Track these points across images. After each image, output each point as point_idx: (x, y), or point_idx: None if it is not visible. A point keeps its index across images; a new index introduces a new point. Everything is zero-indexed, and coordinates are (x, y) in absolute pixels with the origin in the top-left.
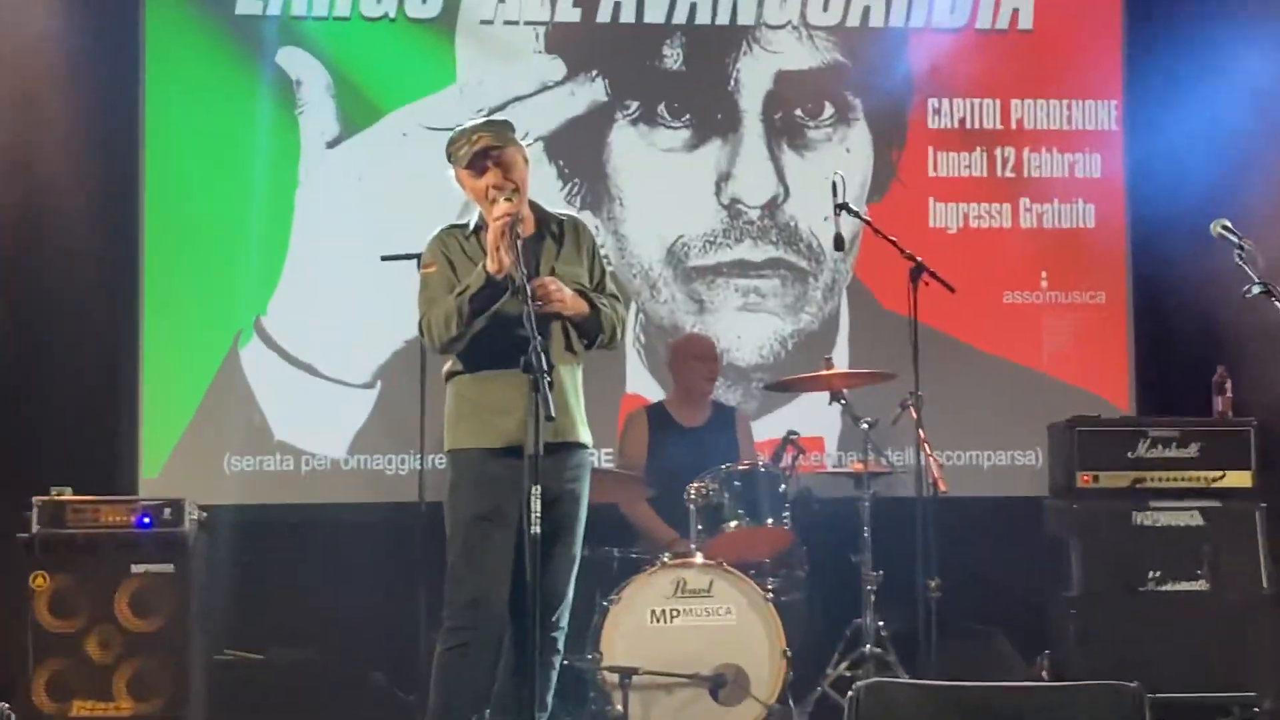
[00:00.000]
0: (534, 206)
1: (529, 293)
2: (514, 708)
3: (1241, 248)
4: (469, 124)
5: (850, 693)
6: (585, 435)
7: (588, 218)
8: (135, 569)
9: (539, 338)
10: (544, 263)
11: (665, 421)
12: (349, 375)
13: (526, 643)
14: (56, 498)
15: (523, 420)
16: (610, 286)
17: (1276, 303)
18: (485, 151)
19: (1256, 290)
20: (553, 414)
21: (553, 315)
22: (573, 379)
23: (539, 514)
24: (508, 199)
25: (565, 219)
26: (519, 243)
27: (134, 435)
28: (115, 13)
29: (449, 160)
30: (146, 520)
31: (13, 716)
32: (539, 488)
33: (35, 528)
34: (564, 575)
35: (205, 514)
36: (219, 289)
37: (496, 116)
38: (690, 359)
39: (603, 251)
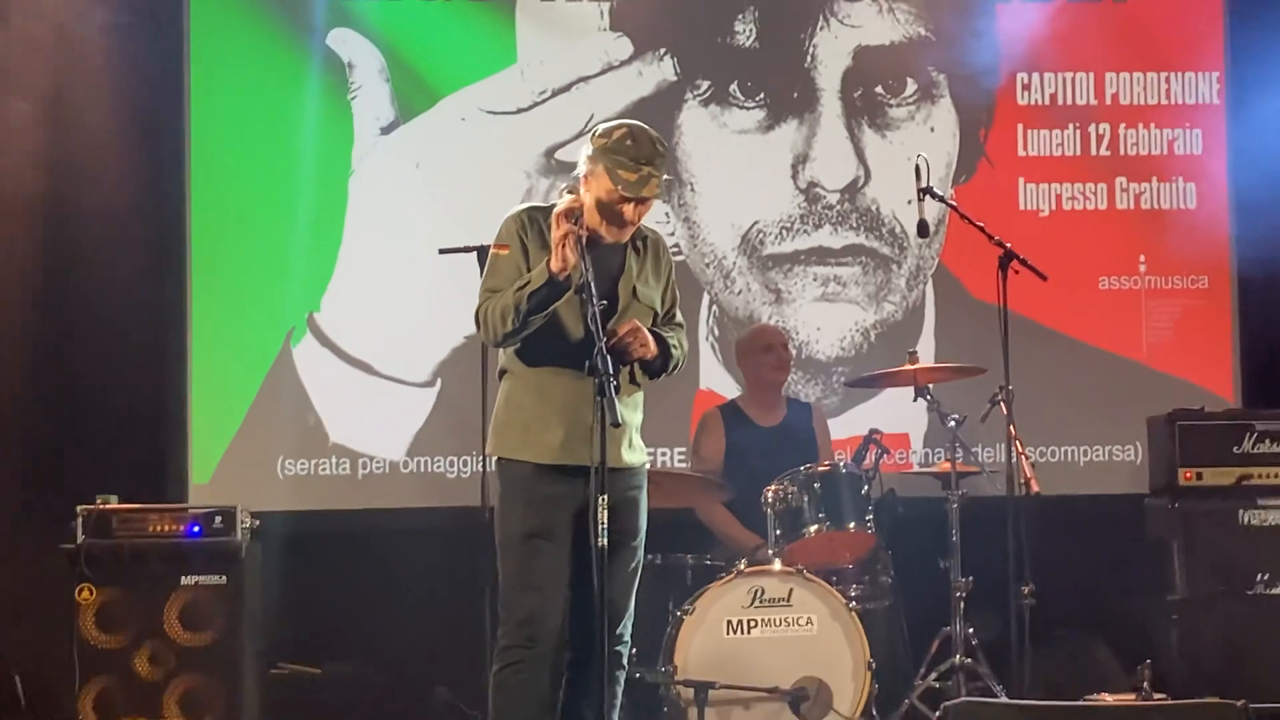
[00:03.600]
0: None
1: (592, 292)
2: None
3: None
4: (645, 140)
5: (938, 713)
6: (637, 457)
7: (656, 205)
8: (185, 581)
9: (604, 339)
10: (624, 278)
11: (740, 421)
12: (407, 373)
13: (587, 660)
14: (102, 507)
15: (568, 439)
16: (678, 314)
17: None
18: (645, 200)
19: None
20: (619, 420)
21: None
22: (633, 408)
23: (605, 524)
24: (570, 190)
25: (650, 234)
26: (583, 240)
27: (183, 440)
28: None
29: (597, 151)
30: (197, 529)
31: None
32: (605, 497)
33: (80, 538)
34: (624, 588)
35: (258, 521)
36: (270, 285)
37: (663, 153)
38: (757, 352)
39: (674, 240)
